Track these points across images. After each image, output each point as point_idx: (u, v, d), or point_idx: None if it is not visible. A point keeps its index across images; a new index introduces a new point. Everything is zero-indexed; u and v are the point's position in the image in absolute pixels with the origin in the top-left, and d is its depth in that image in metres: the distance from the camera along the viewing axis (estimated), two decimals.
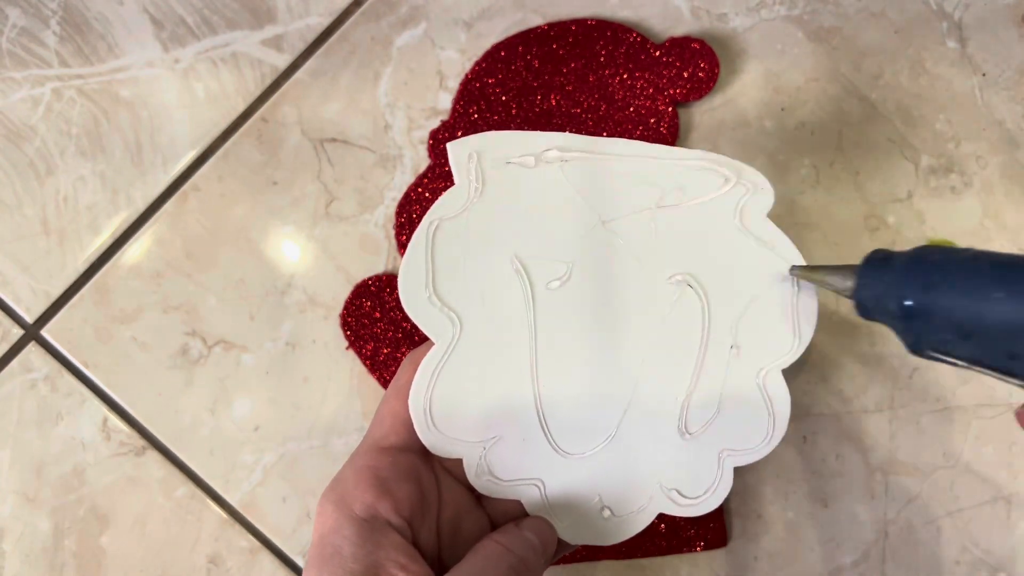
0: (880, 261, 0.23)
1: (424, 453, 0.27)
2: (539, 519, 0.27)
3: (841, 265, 0.24)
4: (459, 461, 0.27)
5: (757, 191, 0.27)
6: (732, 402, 0.27)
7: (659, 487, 0.27)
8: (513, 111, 0.36)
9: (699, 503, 0.27)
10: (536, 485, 0.27)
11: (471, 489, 0.27)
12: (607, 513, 0.27)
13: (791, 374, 0.36)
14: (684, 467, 0.27)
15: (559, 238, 0.27)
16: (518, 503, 0.27)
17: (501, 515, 0.28)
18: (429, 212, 0.27)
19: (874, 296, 0.22)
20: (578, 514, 0.27)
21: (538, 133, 0.27)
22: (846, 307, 0.36)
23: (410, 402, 0.26)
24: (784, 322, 0.27)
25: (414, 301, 0.26)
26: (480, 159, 0.27)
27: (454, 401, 0.26)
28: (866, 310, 0.23)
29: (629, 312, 0.27)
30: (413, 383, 0.26)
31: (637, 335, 0.27)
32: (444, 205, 0.27)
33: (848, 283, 0.24)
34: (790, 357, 0.27)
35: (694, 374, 0.27)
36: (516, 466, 0.27)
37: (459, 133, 0.36)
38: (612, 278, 0.27)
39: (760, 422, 0.27)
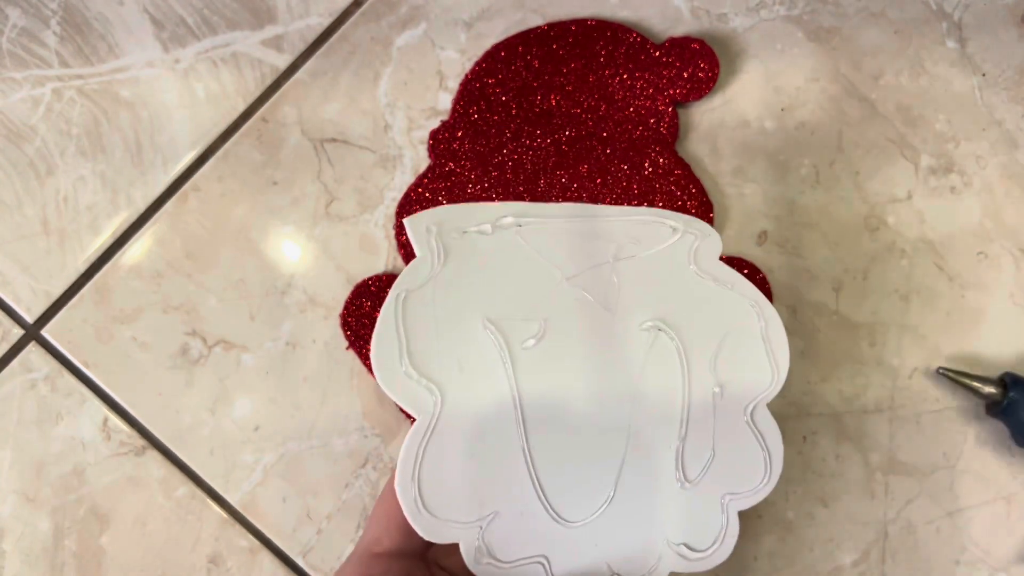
0: (1016, 376, 0.34)
1: (420, 555, 0.25)
2: None
3: (985, 376, 0.34)
4: (458, 558, 0.25)
5: (706, 237, 0.28)
6: (725, 443, 0.27)
7: (667, 544, 0.26)
8: (513, 111, 0.36)
9: (710, 555, 0.26)
10: (540, 563, 0.26)
11: None
12: None
13: (789, 380, 0.36)
14: (689, 518, 0.26)
15: (526, 298, 0.27)
16: None
17: None
18: (395, 285, 0.26)
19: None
20: None
21: (491, 204, 0.28)
22: (845, 307, 0.36)
23: (397, 486, 0.24)
24: (759, 355, 0.28)
25: (390, 376, 0.25)
26: (439, 230, 0.27)
27: (444, 478, 0.25)
28: (1008, 407, 0.33)
29: (608, 364, 0.27)
30: (398, 465, 0.25)
31: (620, 387, 0.27)
32: (408, 277, 0.26)
33: (990, 388, 0.34)
34: (773, 389, 0.27)
35: (683, 419, 0.27)
36: (517, 544, 0.25)
37: (459, 133, 0.36)
38: (585, 331, 0.27)
39: (756, 460, 0.27)
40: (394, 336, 0.26)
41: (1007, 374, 0.34)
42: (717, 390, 0.27)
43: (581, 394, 0.26)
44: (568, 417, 0.26)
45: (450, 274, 0.26)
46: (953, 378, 0.34)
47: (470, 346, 0.26)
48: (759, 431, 0.27)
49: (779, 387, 0.27)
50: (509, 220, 0.27)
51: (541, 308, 0.27)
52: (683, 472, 0.27)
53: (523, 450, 0.26)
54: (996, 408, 0.34)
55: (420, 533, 0.25)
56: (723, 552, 0.26)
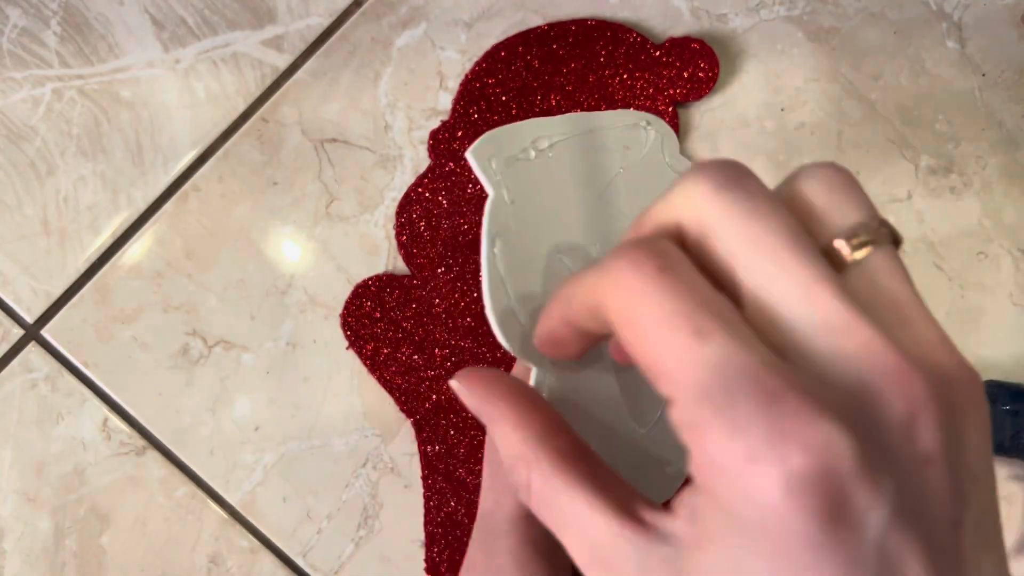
0: (1003, 385, 0.34)
1: None
2: None
3: None
4: None
5: (666, 135, 0.29)
6: None
7: None
8: (513, 111, 0.36)
9: None
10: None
11: None
12: (671, 469, 0.27)
13: None
14: None
15: (579, 221, 0.27)
16: None
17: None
18: (485, 233, 0.24)
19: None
20: (649, 485, 0.27)
21: (524, 123, 0.27)
22: None
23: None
24: None
25: (512, 336, 0.23)
26: (497, 163, 0.26)
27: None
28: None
29: None
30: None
31: None
32: (494, 220, 0.25)
33: None
34: None
35: None
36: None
37: (459, 133, 0.36)
38: None
39: None
40: (502, 293, 0.24)
41: (991, 383, 0.34)
42: None
43: None
44: None
45: (520, 210, 0.26)
46: None
47: (556, 281, 0.25)
48: None
49: None
50: (544, 142, 0.27)
51: (590, 230, 0.27)
52: None
53: (614, 377, 0.26)
54: None
55: None
56: None
